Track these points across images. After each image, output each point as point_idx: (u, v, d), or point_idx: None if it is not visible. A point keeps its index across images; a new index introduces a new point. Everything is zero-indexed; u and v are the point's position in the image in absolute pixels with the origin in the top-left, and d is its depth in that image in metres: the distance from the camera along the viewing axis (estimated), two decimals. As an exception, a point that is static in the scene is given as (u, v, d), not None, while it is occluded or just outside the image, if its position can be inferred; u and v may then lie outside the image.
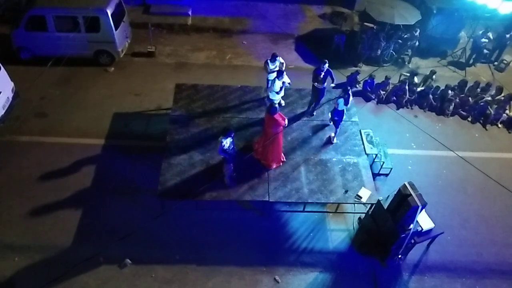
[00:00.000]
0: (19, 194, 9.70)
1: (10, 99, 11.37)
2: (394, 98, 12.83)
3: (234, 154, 8.74)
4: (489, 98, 12.83)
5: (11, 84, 11.49)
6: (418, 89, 12.99)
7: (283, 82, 9.94)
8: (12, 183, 9.92)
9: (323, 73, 9.99)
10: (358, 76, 13.10)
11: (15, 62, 12.80)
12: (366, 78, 13.00)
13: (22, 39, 12.74)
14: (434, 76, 13.45)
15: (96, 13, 12.38)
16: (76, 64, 12.87)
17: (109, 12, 12.44)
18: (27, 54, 13.08)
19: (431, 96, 12.77)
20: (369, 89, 12.98)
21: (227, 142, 8.35)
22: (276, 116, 8.78)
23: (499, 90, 13.04)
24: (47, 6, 12.45)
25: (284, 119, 8.97)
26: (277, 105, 9.04)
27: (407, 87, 12.73)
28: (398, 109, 12.71)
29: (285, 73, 9.96)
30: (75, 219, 9.33)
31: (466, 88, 13.23)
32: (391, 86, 13.11)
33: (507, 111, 12.57)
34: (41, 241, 8.93)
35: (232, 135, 8.47)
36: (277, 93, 10.03)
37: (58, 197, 9.69)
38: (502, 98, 12.76)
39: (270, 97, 10.17)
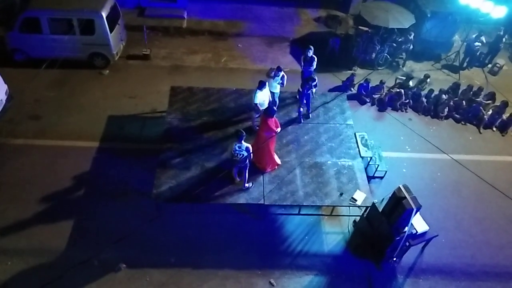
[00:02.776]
0: (12, 197, 9.63)
1: (4, 101, 11.30)
2: (387, 100, 12.88)
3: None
4: (483, 101, 12.91)
5: (5, 87, 11.42)
6: (414, 91, 13.08)
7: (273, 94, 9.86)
8: (5, 186, 9.85)
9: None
10: (354, 78, 13.19)
11: (9, 64, 12.76)
12: (361, 82, 13.06)
13: (16, 41, 12.68)
14: (428, 80, 13.56)
15: (91, 15, 12.35)
16: (71, 66, 12.84)
17: (104, 15, 12.41)
18: (21, 56, 13.01)
19: (424, 99, 12.86)
20: (364, 93, 13.03)
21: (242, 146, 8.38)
22: (270, 121, 8.79)
23: (492, 95, 13.10)
24: (41, 8, 12.40)
25: (277, 127, 9.01)
26: (275, 108, 8.99)
27: (403, 92, 12.81)
28: (392, 112, 12.77)
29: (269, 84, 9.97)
30: (69, 222, 9.28)
31: (460, 91, 13.33)
32: (385, 89, 13.19)
33: (504, 116, 12.63)
34: (34, 244, 8.87)
35: (244, 137, 8.41)
36: (259, 105, 9.59)
37: (52, 200, 9.64)
38: (497, 104, 12.82)
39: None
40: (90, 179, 10.16)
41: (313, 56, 11.01)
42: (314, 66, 11.13)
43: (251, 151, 8.49)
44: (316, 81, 10.34)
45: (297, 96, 10.82)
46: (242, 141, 8.34)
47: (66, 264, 8.38)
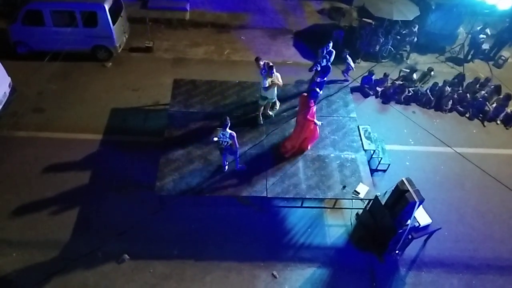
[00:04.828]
0: (16, 189, 9.69)
1: (7, 94, 11.34)
2: (391, 93, 12.82)
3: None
4: (487, 94, 12.82)
5: (8, 79, 11.45)
6: (413, 89, 13.00)
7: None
8: (9, 179, 9.91)
9: (319, 67, 10.09)
10: (350, 65, 13.22)
11: (12, 57, 12.77)
12: (365, 74, 12.99)
13: (19, 33, 12.68)
14: (432, 73, 13.47)
15: (93, 8, 12.32)
16: (74, 59, 12.84)
17: (107, 7, 12.38)
18: (24, 49, 13.02)
19: (428, 92, 12.78)
20: (367, 85, 12.97)
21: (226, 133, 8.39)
22: (311, 103, 8.86)
23: (498, 88, 12.97)
24: (44, 0, 12.37)
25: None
26: (318, 90, 9.05)
27: (406, 85, 12.74)
28: (396, 104, 12.72)
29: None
30: (73, 214, 9.34)
31: (465, 84, 13.24)
32: (389, 82, 13.12)
33: (507, 109, 12.55)
34: (39, 236, 8.93)
35: (229, 125, 8.42)
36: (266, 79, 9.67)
37: (56, 193, 9.69)
38: (501, 97, 12.72)
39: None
40: (93, 172, 10.19)
41: (332, 50, 11.04)
42: (331, 60, 11.16)
43: (235, 138, 8.46)
44: (320, 63, 10.32)
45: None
46: (227, 129, 8.36)
47: (70, 256, 8.46)
